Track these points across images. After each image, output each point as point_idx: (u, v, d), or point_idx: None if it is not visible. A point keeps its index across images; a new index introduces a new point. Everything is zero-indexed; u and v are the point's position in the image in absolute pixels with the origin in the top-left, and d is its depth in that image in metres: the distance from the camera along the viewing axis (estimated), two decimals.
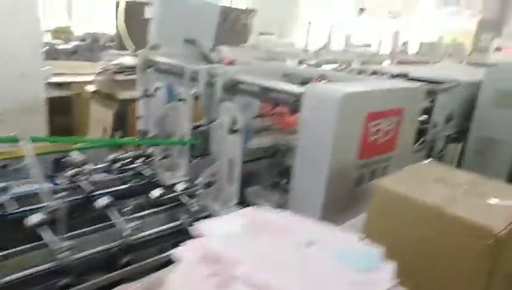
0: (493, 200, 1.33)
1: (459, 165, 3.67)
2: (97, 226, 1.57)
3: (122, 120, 3.60)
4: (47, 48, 7.84)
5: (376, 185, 1.44)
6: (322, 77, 2.22)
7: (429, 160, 1.73)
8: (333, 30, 5.98)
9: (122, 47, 6.33)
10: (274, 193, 2.04)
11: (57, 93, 4.99)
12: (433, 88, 3.21)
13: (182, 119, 1.87)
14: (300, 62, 6.64)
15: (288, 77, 2.48)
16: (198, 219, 1.53)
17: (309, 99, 1.58)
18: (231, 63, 2.85)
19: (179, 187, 1.68)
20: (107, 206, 1.55)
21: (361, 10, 19.00)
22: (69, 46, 8.04)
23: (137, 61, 2.68)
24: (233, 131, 1.55)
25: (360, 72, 3.79)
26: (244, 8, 8.44)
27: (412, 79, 3.63)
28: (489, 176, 3.52)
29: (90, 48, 8.39)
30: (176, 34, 2.83)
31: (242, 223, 0.93)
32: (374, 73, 3.64)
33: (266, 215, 1.03)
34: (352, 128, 1.61)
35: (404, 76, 3.70)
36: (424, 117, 3.38)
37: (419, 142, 3.31)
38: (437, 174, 1.53)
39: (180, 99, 1.84)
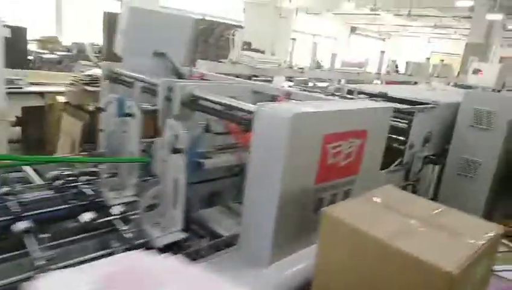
0: (451, 235, 1.22)
1: (437, 187, 3.59)
2: (10, 254, 1.40)
3: (92, 132, 3.48)
4: (31, 57, 7.77)
5: (324, 213, 1.33)
6: (288, 95, 2.14)
7: (389, 185, 1.63)
8: (317, 48, 5.95)
9: (108, 58, 6.26)
10: (230, 216, 1.92)
11: (31, 102, 4.88)
12: (409, 109, 3.15)
13: (131, 135, 1.76)
14: (290, 79, 6.63)
15: (257, 94, 2.39)
16: (133, 247, 1.40)
17: (260, 118, 1.49)
18: (202, 77, 2.77)
19: (115, 210, 1.55)
20: (26, 231, 1.39)
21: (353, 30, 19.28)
22: (55, 56, 7.95)
23: (101, 73, 2.59)
24: (176, 150, 1.44)
25: (337, 91, 3.73)
26: (234, 23, 8.45)
27: (391, 99, 3.58)
28: (469, 198, 3.47)
29: (76, 58, 8.31)
30: (145, 47, 2.74)
31: (94, 279, 0.74)
32: (350, 92, 3.58)
33: (144, 263, 0.85)
34: (306, 151, 1.51)
35: (383, 96, 3.65)
36: (401, 138, 3.32)
37: (396, 163, 3.23)
38: (394, 202, 1.43)
39: (128, 114, 1.73)
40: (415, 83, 8.12)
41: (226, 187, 2.34)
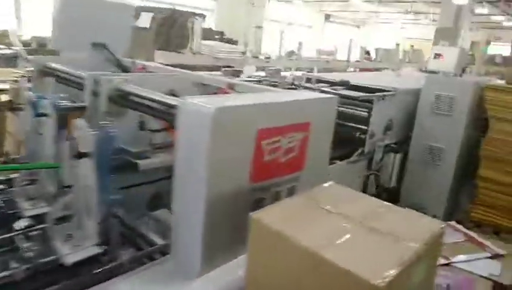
0: (386, 239, 1.10)
1: (402, 175, 3.53)
2: None
3: None
4: None
5: (252, 217, 1.19)
6: (230, 87, 1.98)
7: (331, 182, 1.50)
8: (285, 36, 5.80)
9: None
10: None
11: None
12: (368, 97, 3.05)
13: (46, 137, 1.57)
14: (260, 69, 6.45)
15: (202, 87, 2.22)
16: (36, 267, 1.23)
17: (183, 113, 1.33)
18: (143, 69, 2.57)
19: (21, 224, 1.37)
20: None
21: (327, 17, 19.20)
22: (9, 51, 7.50)
23: (33, 68, 2.36)
24: (81, 154, 1.26)
25: (298, 80, 3.59)
26: (198, 12, 8.18)
27: (352, 87, 3.47)
28: (434, 185, 3.41)
29: (35, 53, 7.89)
30: (82, 38, 2.52)
31: None
32: (310, 81, 3.45)
33: None
34: (236, 148, 1.36)
35: (345, 84, 3.53)
36: (363, 127, 3.22)
37: (357, 153, 3.14)
38: (332, 202, 1.30)
39: (43, 114, 1.54)
40: (392, 70, 8.09)
41: (171, 189, 2.18)
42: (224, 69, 7.66)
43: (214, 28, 12.58)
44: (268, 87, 1.95)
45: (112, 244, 1.44)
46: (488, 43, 7.40)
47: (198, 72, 2.71)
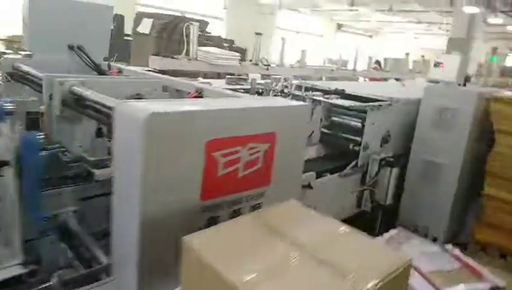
0: (332, 275, 0.91)
1: (399, 192, 3.30)
2: None
3: None
4: None
5: (183, 242, 1.02)
6: (199, 92, 1.83)
7: (292, 200, 1.32)
8: (285, 44, 5.65)
9: None
10: None
11: None
12: (359, 107, 2.85)
13: None
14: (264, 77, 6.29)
15: (171, 91, 2.08)
16: None
17: (119, 117, 1.17)
18: (119, 73, 2.44)
19: None
20: None
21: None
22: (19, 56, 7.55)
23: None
24: (2, 163, 1.12)
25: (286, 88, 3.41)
26: (203, 19, 8.10)
27: (347, 96, 3.28)
28: (433, 203, 3.16)
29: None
30: (56, 40, 2.41)
31: None
32: (301, 89, 3.27)
33: None
34: (180, 159, 1.19)
35: (340, 92, 3.34)
36: (357, 138, 3.02)
37: (350, 166, 2.93)
38: (285, 225, 1.12)
39: None
40: (397, 79, 7.87)
41: None
42: (228, 76, 7.56)
43: (224, 37, 12.58)
44: (240, 94, 1.78)
45: (44, 264, 1.29)
46: (494, 52, 7.10)
47: (180, 78, 2.56)
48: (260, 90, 3.07)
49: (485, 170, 3.12)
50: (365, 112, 2.85)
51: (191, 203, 1.28)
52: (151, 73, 2.37)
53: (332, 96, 3.16)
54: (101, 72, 2.50)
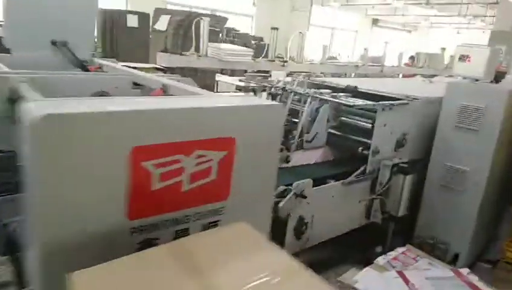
0: None
1: (415, 202, 2.94)
2: None
3: None
4: None
5: (68, 280, 0.81)
6: (164, 88, 1.62)
7: (241, 223, 1.08)
8: (303, 39, 5.34)
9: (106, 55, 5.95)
10: None
11: None
12: (368, 105, 2.53)
13: None
14: (289, 74, 6.03)
15: (138, 86, 1.89)
16: None
17: (23, 118, 0.98)
18: (99, 68, 2.29)
19: None
20: None
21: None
22: None
23: None
24: None
25: (301, 84, 3.14)
26: (221, 15, 7.92)
27: (359, 94, 2.97)
28: (457, 215, 2.78)
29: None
30: (38, 36, 2.29)
31: None
32: (316, 86, 2.99)
33: None
34: (92, 171, 0.99)
35: (351, 90, 3.03)
36: (368, 141, 2.70)
37: (357, 172, 2.62)
38: (206, 260, 0.88)
39: None
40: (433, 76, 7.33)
41: None
42: (248, 73, 7.32)
43: (252, 34, 12.36)
44: (204, 91, 1.55)
45: None
46: None
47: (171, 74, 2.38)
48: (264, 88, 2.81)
49: None
50: (375, 111, 2.53)
51: (114, 223, 1.07)
52: (126, 69, 2.19)
53: (341, 94, 2.85)
54: (84, 69, 2.36)
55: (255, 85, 2.83)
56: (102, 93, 1.74)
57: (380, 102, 2.52)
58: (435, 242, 2.88)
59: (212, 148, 1.22)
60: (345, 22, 17.19)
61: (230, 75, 7.84)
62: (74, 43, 2.38)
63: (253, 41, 10.37)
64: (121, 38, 6.48)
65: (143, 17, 6.45)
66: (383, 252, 2.77)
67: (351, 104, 2.47)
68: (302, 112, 2.76)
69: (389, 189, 2.72)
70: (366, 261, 2.68)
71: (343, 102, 2.51)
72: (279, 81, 2.92)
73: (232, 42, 8.41)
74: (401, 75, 7.70)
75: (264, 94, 3.01)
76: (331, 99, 2.55)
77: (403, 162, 2.69)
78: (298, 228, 2.33)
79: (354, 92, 2.97)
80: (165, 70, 4.06)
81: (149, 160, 1.08)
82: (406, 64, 8.19)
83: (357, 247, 2.93)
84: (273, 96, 2.98)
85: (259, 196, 1.42)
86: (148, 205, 1.12)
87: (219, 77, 6.91)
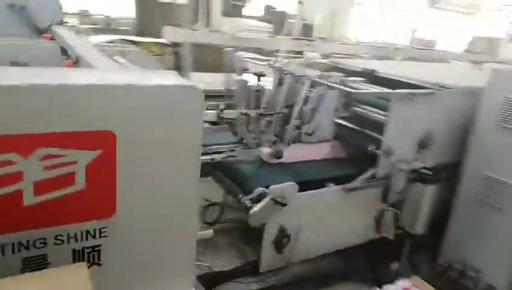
0: None
1: (443, 217, 2.36)
2: None
3: None
4: None
5: None
6: (75, 61, 1.25)
7: (76, 265, 0.68)
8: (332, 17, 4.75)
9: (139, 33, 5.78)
10: None
11: None
12: (378, 94, 1.99)
13: None
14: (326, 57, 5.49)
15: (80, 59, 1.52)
16: None
17: None
18: (52, 39, 1.96)
19: None
20: None
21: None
22: None
23: None
24: None
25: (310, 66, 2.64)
26: None
27: (376, 79, 2.42)
28: (496, 236, 2.20)
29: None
30: None
31: None
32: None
33: None
34: None
35: (369, 74, 2.48)
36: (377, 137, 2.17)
37: (363, 175, 2.11)
38: None
39: None
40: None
41: None
42: (276, 53, 6.82)
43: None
44: (116, 66, 1.16)
45: None
46: None
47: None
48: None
49: None
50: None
51: None
52: (68, 39, 1.84)
53: (356, 78, 2.32)
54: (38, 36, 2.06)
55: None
56: (16, 63, 1.40)
57: (397, 90, 1.98)
58: (463, 268, 2.32)
59: (71, 145, 0.82)
60: (399, 2, 15.95)
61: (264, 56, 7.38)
62: (35, 9, 2.08)
63: (289, 20, 9.75)
64: (150, 14, 6.34)
65: None
66: (399, 272, 2.28)
67: (353, 91, 1.94)
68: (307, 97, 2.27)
69: (405, 200, 2.18)
70: (375, 281, 2.21)
71: (341, 88, 1.99)
72: (275, 61, 2.44)
73: (268, 21, 7.88)
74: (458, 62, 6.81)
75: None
76: (327, 83, 2.03)
77: (424, 168, 2.14)
78: (278, 240, 1.90)
79: (371, 77, 2.43)
80: (170, 45, 3.70)
81: None
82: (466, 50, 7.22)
83: (365, 261, 2.45)
84: (280, 81, 2.52)
85: (171, 212, 1.02)
86: None
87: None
